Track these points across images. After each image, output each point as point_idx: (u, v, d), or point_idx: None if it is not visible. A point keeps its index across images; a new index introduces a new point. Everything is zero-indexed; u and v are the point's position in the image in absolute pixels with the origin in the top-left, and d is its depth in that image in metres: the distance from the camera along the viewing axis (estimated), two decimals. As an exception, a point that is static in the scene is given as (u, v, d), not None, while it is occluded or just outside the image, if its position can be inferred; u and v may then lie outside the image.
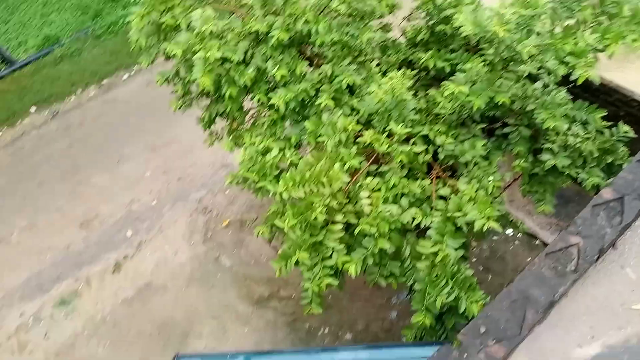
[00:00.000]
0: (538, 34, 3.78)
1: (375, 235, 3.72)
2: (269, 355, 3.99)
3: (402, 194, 3.84)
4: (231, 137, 5.07)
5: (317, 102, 4.13)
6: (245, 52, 4.26)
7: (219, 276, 6.90)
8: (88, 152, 8.47)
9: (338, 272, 3.97)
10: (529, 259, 6.45)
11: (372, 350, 3.94)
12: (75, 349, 6.30)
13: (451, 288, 3.68)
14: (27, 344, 6.39)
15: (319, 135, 3.97)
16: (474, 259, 6.65)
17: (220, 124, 5.32)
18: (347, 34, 4.24)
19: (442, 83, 3.99)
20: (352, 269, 3.77)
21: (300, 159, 4.11)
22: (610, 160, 4.15)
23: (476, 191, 3.80)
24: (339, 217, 3.84)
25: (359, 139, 3.93)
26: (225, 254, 7.13)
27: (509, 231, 6.96)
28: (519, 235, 6.94)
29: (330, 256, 3.85)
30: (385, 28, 5.06)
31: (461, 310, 3.69)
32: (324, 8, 4.26)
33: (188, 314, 6.52)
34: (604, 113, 4.17)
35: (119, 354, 6.21)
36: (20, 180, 8.14)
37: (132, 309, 6.62)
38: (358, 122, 4.02)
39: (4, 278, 6.98)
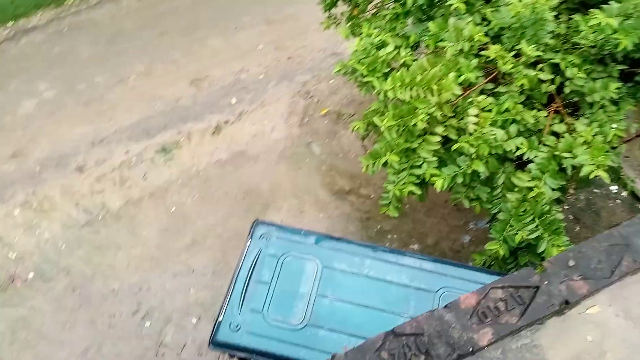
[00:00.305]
0: None
1: (473, 156, 3.61)
2: (339, 241, 4.16)
3: (513, 121, 3.64)
4: (349, 24, 4.95)
5: (447, 3, 3.87)
6: None
7: (307, 160, 7.10)
8: (209, 13, 8.64)
9: (423, 183, 3.94)
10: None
11: (438, 263, 3.99)
12: (168, 194, 6.89)
13: (536, 226, 3.57)
14: (127, 180, 7.04)
15: (441, 40, 3.76)
16: (567, 206, 6.33)
17: (341, 9, 5.18)
18: None
19: (591, 10, 3.57)
20: (439, 184, 3.73)
21: (414, 60, 3.95)
22: None
23: (594, 135, 3.52)
24: (439, 129, 3.74)
25: (482, 52, 3.69)
26: (317, 142, 7.27)
27: (614, 187, 6.49)
28: (623, 194, 6.46)
29: (420, 166, 3.82)
30: None
31: (539, 250, 3.60)
32: None
33: (272, 188, 6.86)
34: None
35: (205, 207, 6.73)
36: (144, 27, 8.54)
37: (224, 171, 7.05)
38: (486, 34, 3.75)
39: (117, 116, 7.59)
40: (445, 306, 1.87)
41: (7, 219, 6.64)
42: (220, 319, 3.76)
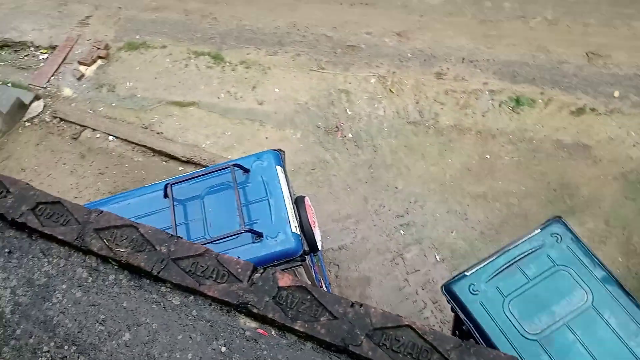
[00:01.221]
0: None
1: None
2: (628, 297, 3.59)
3: None
4: None
5: None
6: None
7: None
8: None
9: None
10: None
11: None
12: (492, 141, 6.76)
13: None
14: (468, 107, 7.10)
15: None
16: None
17: None
18: None
19: None
20: None
21: None
22: None
23: None
24: None
25: None
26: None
27: None
28: None
29: None
30: None
31: None
32: None
33: (591, 199, 6.16)
34: None
35: (515, 174, 6.46)
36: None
37: (556, 152, 6.55)
38: None
39: (498, 46, 7.48)
40: None
41: (363, 82, 7.55)
42: (467, 274, 3.76)
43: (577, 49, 7.28)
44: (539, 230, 3.92)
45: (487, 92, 7.15)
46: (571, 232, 3.89)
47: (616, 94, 6.82)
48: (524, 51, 7.41)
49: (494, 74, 7.29)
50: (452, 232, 6.22)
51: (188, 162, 7.27)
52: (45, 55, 9.09)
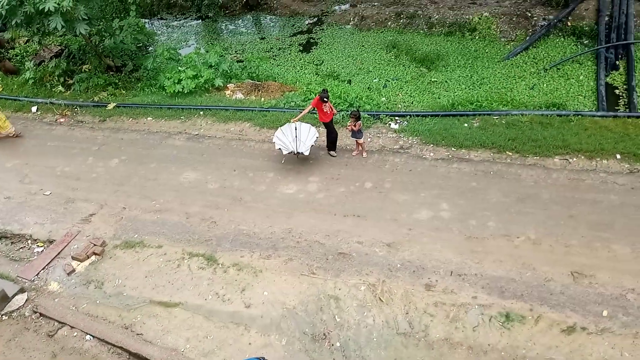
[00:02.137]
0: None
1: None
2: None
3: None
4: None
5: None
6: None
7: None
8: (627, 221, 7.98)
9: None
10: None
11: None
12: (484, 357, 6.50)
13: None
14: (459, 321, 6.95)
15: None
16: None
17: None
18: None
19: None
20: None
21: None
22: None
23: None
24: None
25: None
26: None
27: None
28: None
29: None
30: None
31: None
32: None
33: None
34: None
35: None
36: (559, 203, 8.49)
37: (553, 374, 6.26)
38: None
39: (485, 262, 7.65)
40: None
41: (353, 289, 7.54)
42: None
43: (561, 268, 7.43)
44: None
45: (476, 306, 7.10)
46: None
47: (605, 313, 6.77)
48: (510, 267, 7.57)
49: (482, 289, 7.32)
50: None
51: (164, 367, 6.87)
52: (40, 249, 9.23)
